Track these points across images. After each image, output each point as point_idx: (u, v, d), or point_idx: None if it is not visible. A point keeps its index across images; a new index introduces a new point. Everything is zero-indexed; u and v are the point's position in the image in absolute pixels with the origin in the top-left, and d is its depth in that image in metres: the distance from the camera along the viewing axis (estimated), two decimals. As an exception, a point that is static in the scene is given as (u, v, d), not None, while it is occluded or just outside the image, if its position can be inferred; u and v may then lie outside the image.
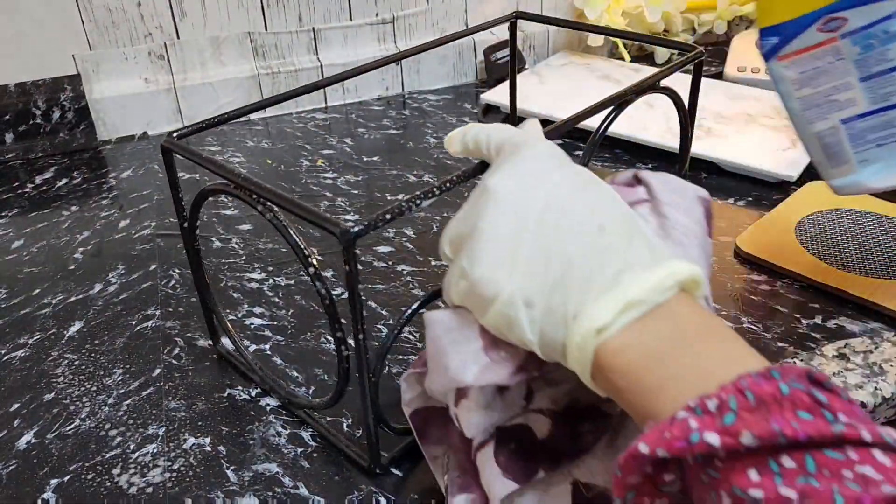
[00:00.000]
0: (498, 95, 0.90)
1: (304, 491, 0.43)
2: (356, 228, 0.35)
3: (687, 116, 0.55)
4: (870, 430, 0.25)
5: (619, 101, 0.47)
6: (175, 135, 0.46)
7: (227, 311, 0.59)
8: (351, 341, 0.39)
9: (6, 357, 0.55)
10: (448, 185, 0.39)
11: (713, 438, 0.25)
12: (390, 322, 0.56)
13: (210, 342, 0.55)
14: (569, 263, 0.32)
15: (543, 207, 0.34)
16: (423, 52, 0.62)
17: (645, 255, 0.32)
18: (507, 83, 0.90)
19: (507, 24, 0.69)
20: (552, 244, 0.33)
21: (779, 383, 0.26)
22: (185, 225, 0.48)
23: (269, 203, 0.41)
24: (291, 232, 0.40)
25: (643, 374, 0.29)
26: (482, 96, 0.93)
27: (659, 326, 0.30)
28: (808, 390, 0.26)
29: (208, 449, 0.47)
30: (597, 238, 0.33)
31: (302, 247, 0.40)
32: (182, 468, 0.45)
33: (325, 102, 0.95)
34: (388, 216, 0.36)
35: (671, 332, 0.30)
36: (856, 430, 0.25)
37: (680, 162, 0.58)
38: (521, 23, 1.03)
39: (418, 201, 0.37)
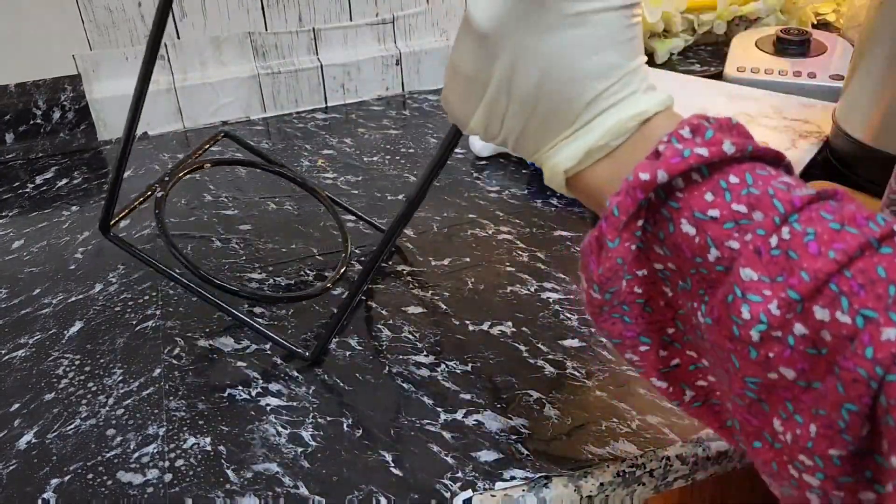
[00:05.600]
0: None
1: (304, 491, 0.44)
2: None
3: None
4: (777, 153, 0.30)
5: None
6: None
7: (228, 311, 0.59)
8: None
9: (6, 357, 0.55)
10: None
11: (703, 151, 0.28)
12: (391, 322, 0.56)
13: (207, 342, 0.55)
14: (531, 104, 0.33)
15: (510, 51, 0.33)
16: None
17: (613, 87, 0.32)
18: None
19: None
20: (514, 86, 0.33)
21: (729, 119, 0.31)
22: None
23: None
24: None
25: (615, 187, 0.31)
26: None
27: (627, 153, 0.32)
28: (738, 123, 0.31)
29: (208, 449, 0.47)
30: (555, 74, 0.32)
31: None
32: (182, 468, 0.45)
33: (326, 102, 0.96)
34: None
35: (638, 156, 0.31)
36: (770, 151, 0.30)
37: None
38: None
39: None
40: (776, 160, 0.30)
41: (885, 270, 0.24)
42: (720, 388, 0.32)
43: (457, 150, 0.82)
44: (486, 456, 0.45)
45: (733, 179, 0.28)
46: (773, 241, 0.26)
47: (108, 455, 0.47)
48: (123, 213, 0.56)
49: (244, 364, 0.53)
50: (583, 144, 0.32)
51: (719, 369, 0.29)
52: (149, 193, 0.58)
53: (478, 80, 0.34)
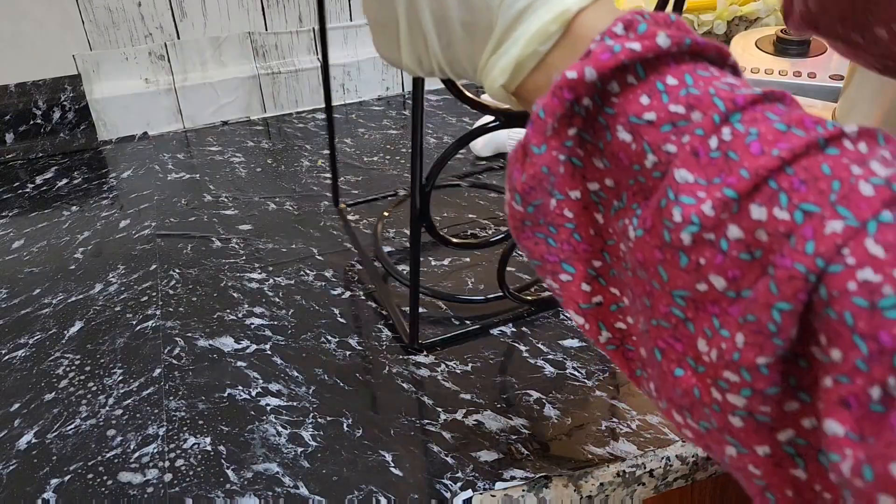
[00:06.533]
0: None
1: (304, 491, 0.44)
2: None
3: None
4: (718, 49, 0.28)
5: None
6: None
7: (227, 310, 0.59)
8: None
9: (6, 357, 0.55)
10: None
11: (635, 45, 0.26)
12: (391, 322, 0.56)
13: (209, 342, 0.55)
14: (441, 26, 0.33)
15: None
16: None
17: None
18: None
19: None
20: (421, 17, 0.33)
21: (668, 14, 0.28)
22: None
23: None
24: None
25: None
26: (483, 96, 0.93)
27: (559, 57, 0.30)
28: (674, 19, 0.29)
29: (208, 449, 0.47)
30: None
31: None
32: (182, 468, 0.45)
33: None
34: None
35: (572, 59, 0.29)
36: (712, 46, 0.28)
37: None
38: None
39: None
40: (720, 57, 0.28)
41: (829, 168, 0.23)
42: (636, 332, 0.30)
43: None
44: (486, 456, 0.45)
45: (671, 81, 0.26)
46: (713, 142, 0.25)
47: (108, 455, 0.47)
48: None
49: (244, 364, 0.53)
50: (511, 57, 0.30)
51: (638, 301, 0.28)
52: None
53: (388, 23, 0.34)
